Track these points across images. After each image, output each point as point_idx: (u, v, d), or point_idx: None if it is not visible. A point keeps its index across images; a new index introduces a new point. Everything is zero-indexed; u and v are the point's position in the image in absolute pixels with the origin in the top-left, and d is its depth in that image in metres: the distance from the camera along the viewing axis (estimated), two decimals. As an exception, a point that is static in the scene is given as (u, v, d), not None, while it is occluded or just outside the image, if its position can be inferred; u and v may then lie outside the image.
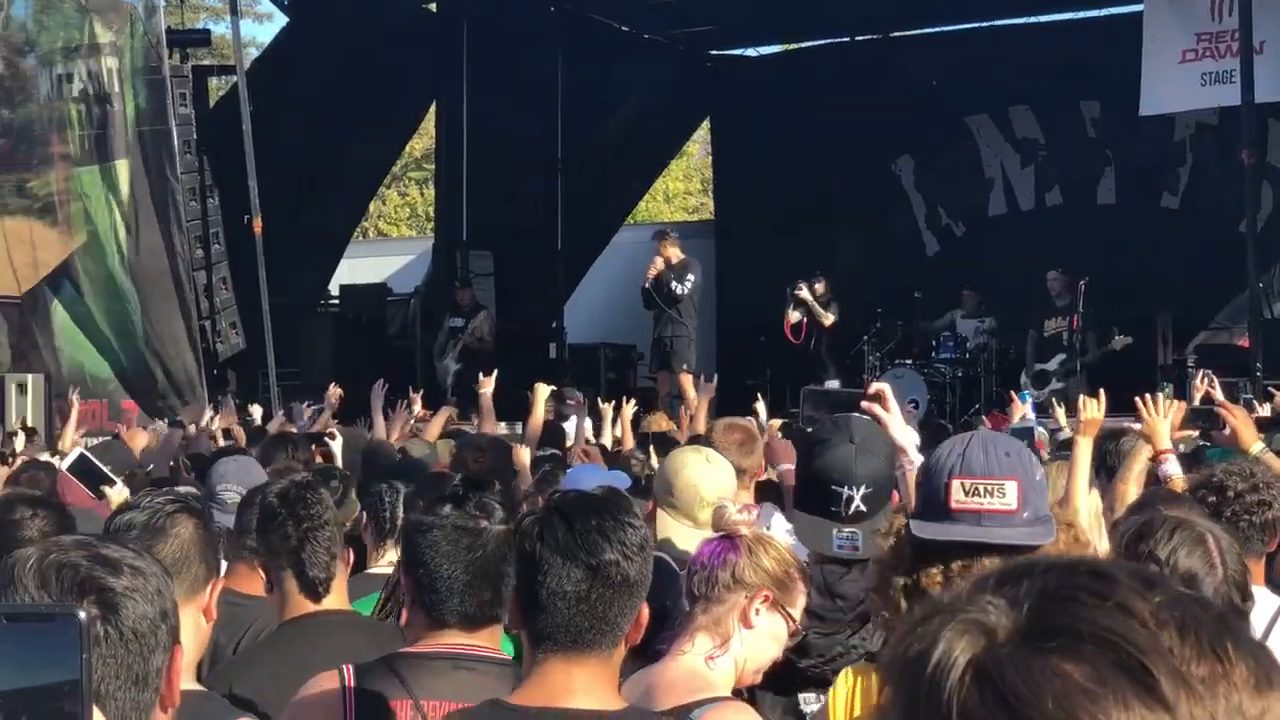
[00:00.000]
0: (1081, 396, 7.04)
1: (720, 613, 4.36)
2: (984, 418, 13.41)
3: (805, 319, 20.81)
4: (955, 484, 3.32)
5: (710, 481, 5.48)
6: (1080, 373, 18.77)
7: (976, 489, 3.30)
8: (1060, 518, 3.45)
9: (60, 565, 2.44)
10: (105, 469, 7.77)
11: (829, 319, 20.59)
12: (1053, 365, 19.20)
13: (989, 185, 24.88)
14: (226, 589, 4.59)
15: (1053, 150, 24.24)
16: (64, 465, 7.90)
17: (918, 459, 4.28)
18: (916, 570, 3.30)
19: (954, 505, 3.31)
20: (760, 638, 4.18)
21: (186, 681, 3.59)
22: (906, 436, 4.81)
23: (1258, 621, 4.66)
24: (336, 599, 4.67)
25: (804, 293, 20.72)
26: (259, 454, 8.48)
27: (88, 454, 8.01)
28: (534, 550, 3.21)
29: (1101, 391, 7.14)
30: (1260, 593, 4.65)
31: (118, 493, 7.14)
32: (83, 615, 1.95)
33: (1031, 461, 3.47)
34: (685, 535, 5.22)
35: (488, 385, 11.88)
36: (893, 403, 5.24)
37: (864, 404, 5.24)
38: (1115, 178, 23.68)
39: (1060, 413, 11.57)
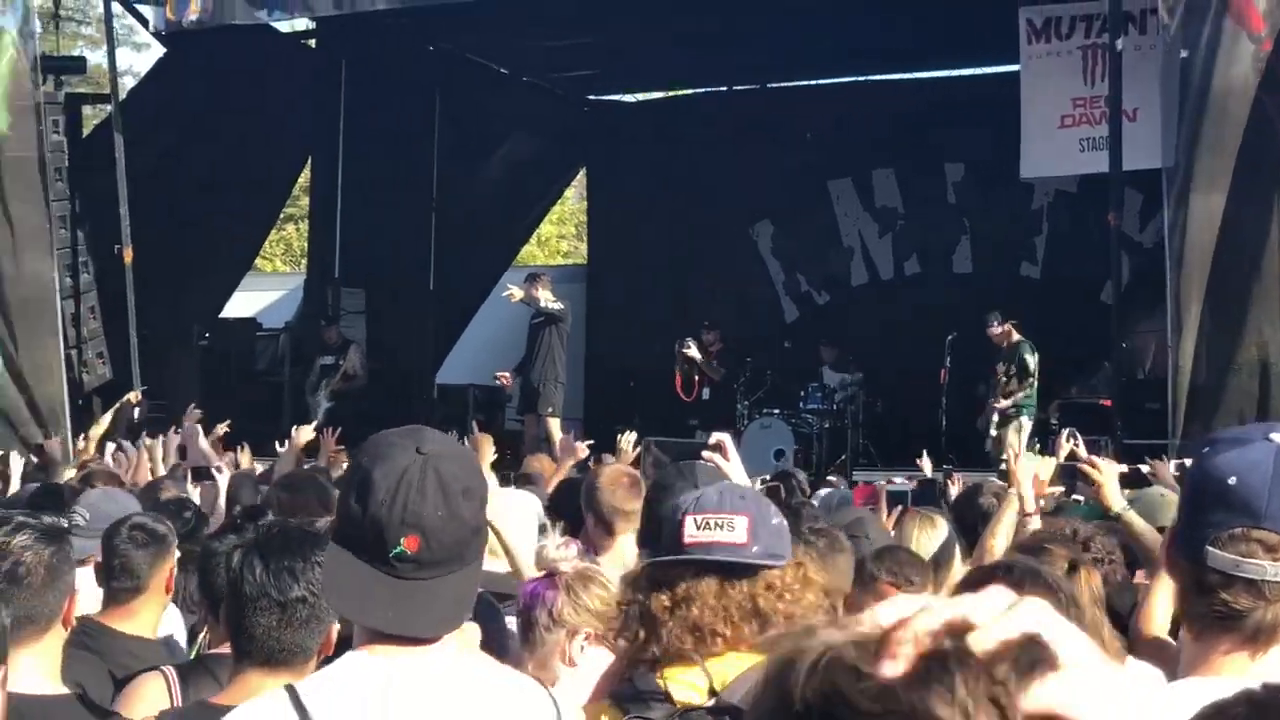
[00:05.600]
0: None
1: (544, 655, 4.39)
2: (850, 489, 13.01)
3: (696, 375, 20.83)
4: (688, 520, 3.43)
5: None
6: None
7: (707, 523, 3.42)
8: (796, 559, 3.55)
9: None
10: None
11: (720, 373, 20.56)
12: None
13: (849, 254, 24.93)
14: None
15: (911, 218, 24.27)
16: None
17: None
18: (648, 598, 3.42)
19: (687, 540, 3.42)
20: (590, 676, 4.09)
21: (54, 687, 3.99)
22: (745, 483, 4.95)
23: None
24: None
25: (692, 350, 20.71)
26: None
27: None
28: (238, 584, 3.81)
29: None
30: None
31: None
32: None
33: (770, 508, 3.57)
34: None
35: (306, 433, 12.08)
36: (732, 452, 5.48)
37: (705, 453, 5.45)
38: (971, 246, 23.82)
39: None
